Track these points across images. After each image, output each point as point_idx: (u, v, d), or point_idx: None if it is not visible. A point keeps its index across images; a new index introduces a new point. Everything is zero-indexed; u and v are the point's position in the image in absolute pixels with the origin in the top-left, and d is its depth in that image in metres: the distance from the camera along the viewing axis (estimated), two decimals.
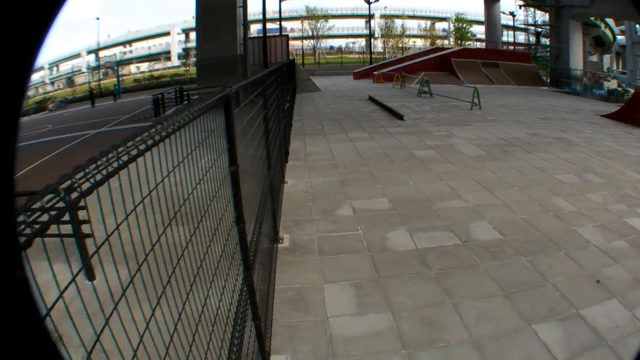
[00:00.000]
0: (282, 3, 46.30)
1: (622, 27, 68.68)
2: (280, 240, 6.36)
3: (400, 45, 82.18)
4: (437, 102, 24.40)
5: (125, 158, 1.27)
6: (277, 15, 47.01)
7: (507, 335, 4.46)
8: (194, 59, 58.25)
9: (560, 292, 5.34)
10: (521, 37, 64.05)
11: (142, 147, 1.40)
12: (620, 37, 70.98)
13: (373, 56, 61.23)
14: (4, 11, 0.76)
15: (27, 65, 0.83)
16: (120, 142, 1.29)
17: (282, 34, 39.12)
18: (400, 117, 18.16)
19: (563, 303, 5.12)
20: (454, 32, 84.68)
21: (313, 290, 5.19)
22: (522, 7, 54.01)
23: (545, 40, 52.31)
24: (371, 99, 24.76)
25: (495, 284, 5.43)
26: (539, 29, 52.79)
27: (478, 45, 74.19)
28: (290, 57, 34.15)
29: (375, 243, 6.52)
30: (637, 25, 57.71)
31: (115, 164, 1.22)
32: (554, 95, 34.87)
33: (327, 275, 5.55)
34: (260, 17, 30.60)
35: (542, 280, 5.59)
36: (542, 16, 51.74)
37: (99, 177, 1.14)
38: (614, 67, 79.10)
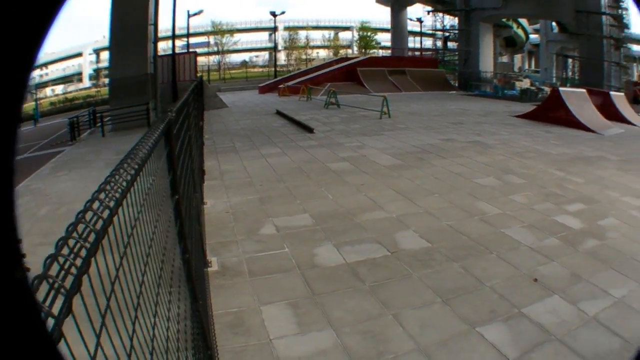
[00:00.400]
0: (190, 19, 46.23)
1: (536, 26, 73.34)
2: (209, 264, 6.34)
3: (303, 56, 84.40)
4: (346, 113, 25.15)
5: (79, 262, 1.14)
6: (185, 32, 46.54)
7: (453, 341, 4.70)
8: (105, 80, 56.30)
9: (499, 293, 5.70)
10: (428, 43, 67.28)
11: (93, 239, 1.24)
12: (533, 36, 75.49)
13: (277, 69, 62.22)
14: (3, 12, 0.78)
15: (25, 68, 0.84)
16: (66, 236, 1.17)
17: (190, 50, 38.83)
18: (310, 130, 18.54)
19: (504, 304, 5.45)
20: (358, 41, 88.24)
21: (251, 313, 5.20)
22: (431, 13, 56.65)
23: (453, 45, 54.83)
24: (279, 113, 25.15)
25: (431, 291, 5.70)
26: (447, 34, 55.46)
27: (382, 53, 77.55)
28: (198, 74, 34.09)
29: (304, 260, 6.63)
30: (554, 23, 61.67)
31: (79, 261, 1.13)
32: (464, 99, 36.78)
33: (261, 296, 5.58)
34: (169, 34, 30.65)
35: (478, 284, 5.94)
36: (450, 20, 54.64)
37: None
38: (526, 67, 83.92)
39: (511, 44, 67.95)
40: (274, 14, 58.81)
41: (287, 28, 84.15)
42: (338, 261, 6.61)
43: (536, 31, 74.98)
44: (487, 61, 50.29)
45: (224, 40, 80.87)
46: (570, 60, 53.12)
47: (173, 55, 29.76)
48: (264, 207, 9.20)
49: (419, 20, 62.49)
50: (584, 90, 26.05)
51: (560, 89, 24.90)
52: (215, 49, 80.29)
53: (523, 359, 4.44)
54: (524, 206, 9.42)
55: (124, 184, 1.50)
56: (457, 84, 48.76)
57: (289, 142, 16.39)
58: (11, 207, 0.83)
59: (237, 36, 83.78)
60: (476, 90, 44.56)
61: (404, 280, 6.01)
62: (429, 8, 58.23)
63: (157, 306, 2.06)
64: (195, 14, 46.54)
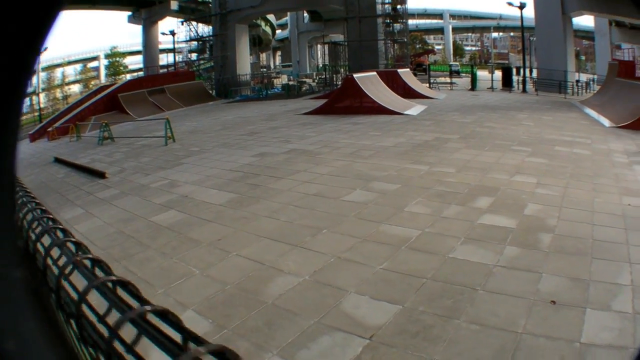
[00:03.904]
0: None
1: (282, 21, 76.90)
2: None
3: (59, 95, 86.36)
4: (125, 146, 22.65)
5: None
6: None
7: None
8: None
9: (543, 335, 4.94)
10: (193, 55, 68.65)
11: None
12: (279, 32, 79.14)
13: (42, 112, 61.56)
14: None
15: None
16: None
17: None
18: (101, 175, 15.77)
19: (559, 344, 4.80)
20: (108, 68, 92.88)
21: None
22: (184, 23, 56.65)
23: (194, 55, 55.88)
24: (58, 160, 22.07)
25: None
26: (198, 42, 56.61)
27: (129, 77, 79.44)
28: None
29: None
30: (305, 14, 65.19)
31: None
32: (232, 107, 36.88)
33: None
34: None
35: (511, 335, 4.96)
36: (204, 29, 55.56)
37: None
38: (271, 63, 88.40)
39: (258, 43, 69.93)
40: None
41: (45, 68, 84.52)
42: None
43: (281, 26, 78.84)
44: (244, 64, 51.53)
45: None
46: (320, 47, 56.11)
47: None
48: None
49: (172, 33, 62.42)
50: (374, 73, 26.81)
51: (355, 75, 24.84)
52: None
53: None
54: (433, 217, 8.60)
55: None
56: (215, 93, 48.25)
57: (87, 197, 13.38)
58: (12, 208, 0.92)
59: None
60: (237, 96, 44.82)
61: None
62: (182, 19, 58.64)
63: None
64: None
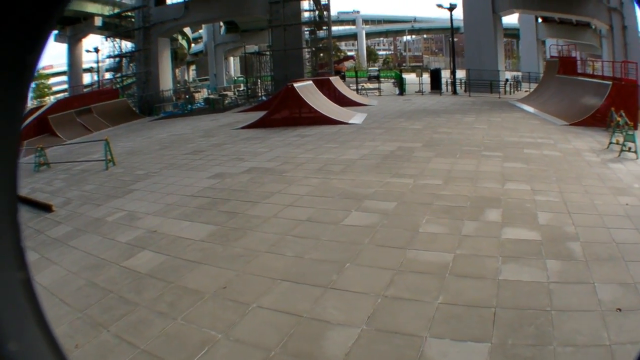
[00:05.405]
0: None
1: (196, 34, 76.06)
2: None
3: None
4: (63, 172, 20.53)
5: None
6: None
7: None
8: None
9: (620, 342, 5.06)
10: (108, 74, 68.89)
11: None
12: (193, 45, 78.57)
13: None
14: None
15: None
16: None
17: None
18: (46, 208, 13.60)
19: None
20: (34, 91, 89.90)
21: None
22: (108, 39, 54.57)
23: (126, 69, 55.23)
24: None
25: None
26: (122, 58, 55.22)
27: (53, 98, 76.58)
28: None
29: None
30: (221, 26, 65.29)
31: None
32: (160, 125, 35.77)
33: None
34: None
35: (606, 350, 5.03)
36: (126, 45, 53.70)
37: None
38: (185, 78, 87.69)
39: (174, 57, 68.82)
40: None
41: None
42: None
43: (194, 40, 78.44)
44: (167, 79, 50.37)
45: None
46: (233, 58, 56.03)
47: None
48: None
49: (96, 50, 61.93)
50: (310, 82, 26.55)
51: (295, 84, 24.21)
52: None
53: None
54: (455, 237, 8.25)
55: None
56: (138, 110, 46.67)
57: (37, 236, 11.19)
58: (15, 208, 0.94)
59: None
60: (162, 113, 43.69)
61: None
62: (105, 35, 56.76)
63: None
64: None
